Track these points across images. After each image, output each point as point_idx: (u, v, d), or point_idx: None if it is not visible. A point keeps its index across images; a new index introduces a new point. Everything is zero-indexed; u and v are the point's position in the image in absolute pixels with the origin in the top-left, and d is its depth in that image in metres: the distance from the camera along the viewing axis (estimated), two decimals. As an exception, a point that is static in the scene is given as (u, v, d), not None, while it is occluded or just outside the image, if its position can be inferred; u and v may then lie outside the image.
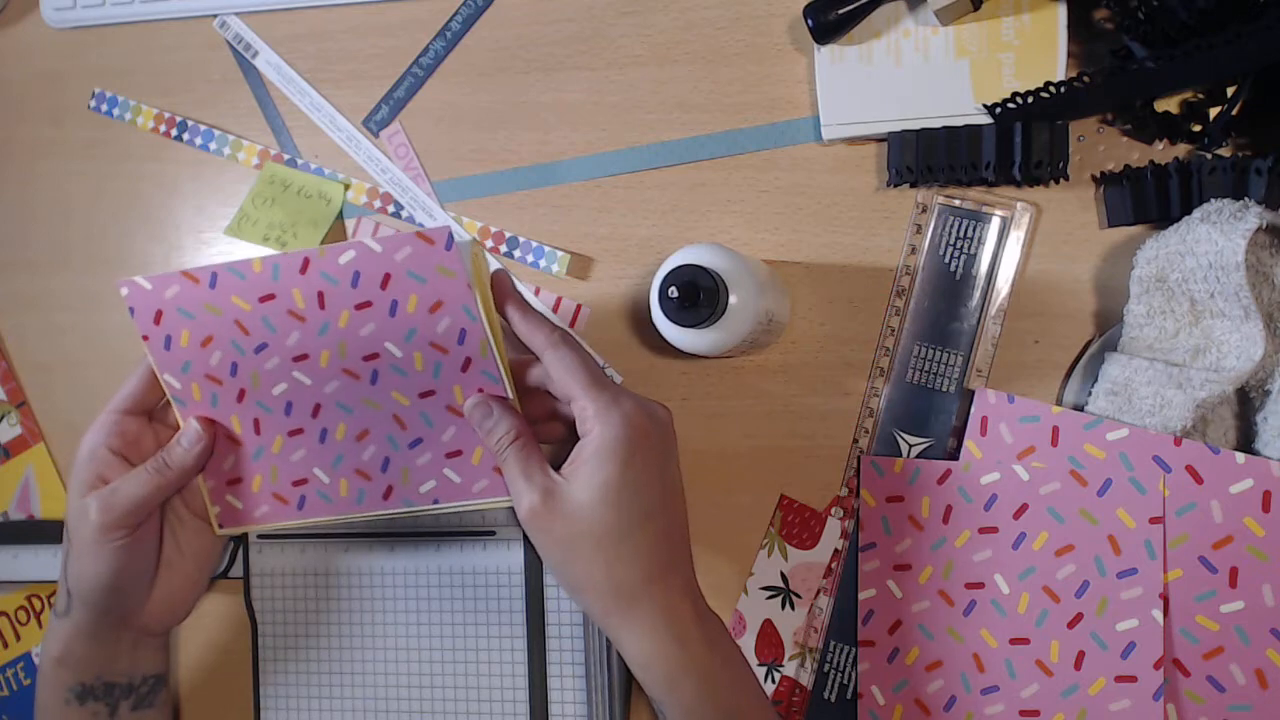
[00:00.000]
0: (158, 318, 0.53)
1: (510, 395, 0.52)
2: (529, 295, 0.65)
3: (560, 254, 0.64)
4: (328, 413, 0.54)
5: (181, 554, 0.57)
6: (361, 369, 0.53)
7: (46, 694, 0.56)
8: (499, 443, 0.51)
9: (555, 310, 0.64)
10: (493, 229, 0.65)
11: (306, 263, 0.51)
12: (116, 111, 0.73)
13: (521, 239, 0.65)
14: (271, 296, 0.52)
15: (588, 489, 0.48)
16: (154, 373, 0.55)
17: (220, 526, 0.57)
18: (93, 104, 0.73)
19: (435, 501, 0.55)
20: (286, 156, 0.70)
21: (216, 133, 0.71)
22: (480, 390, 0.52)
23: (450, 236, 0.49)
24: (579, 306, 0.64)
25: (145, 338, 0.54)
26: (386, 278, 0.51)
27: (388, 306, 0.51)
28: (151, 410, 0.56)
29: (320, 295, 0.51)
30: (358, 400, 0.53)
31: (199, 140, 0.71)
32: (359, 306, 0.51)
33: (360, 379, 0.53)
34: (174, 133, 0.71)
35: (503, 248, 0.65)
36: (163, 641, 0.60)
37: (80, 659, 0.56)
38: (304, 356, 0.53)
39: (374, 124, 0.68)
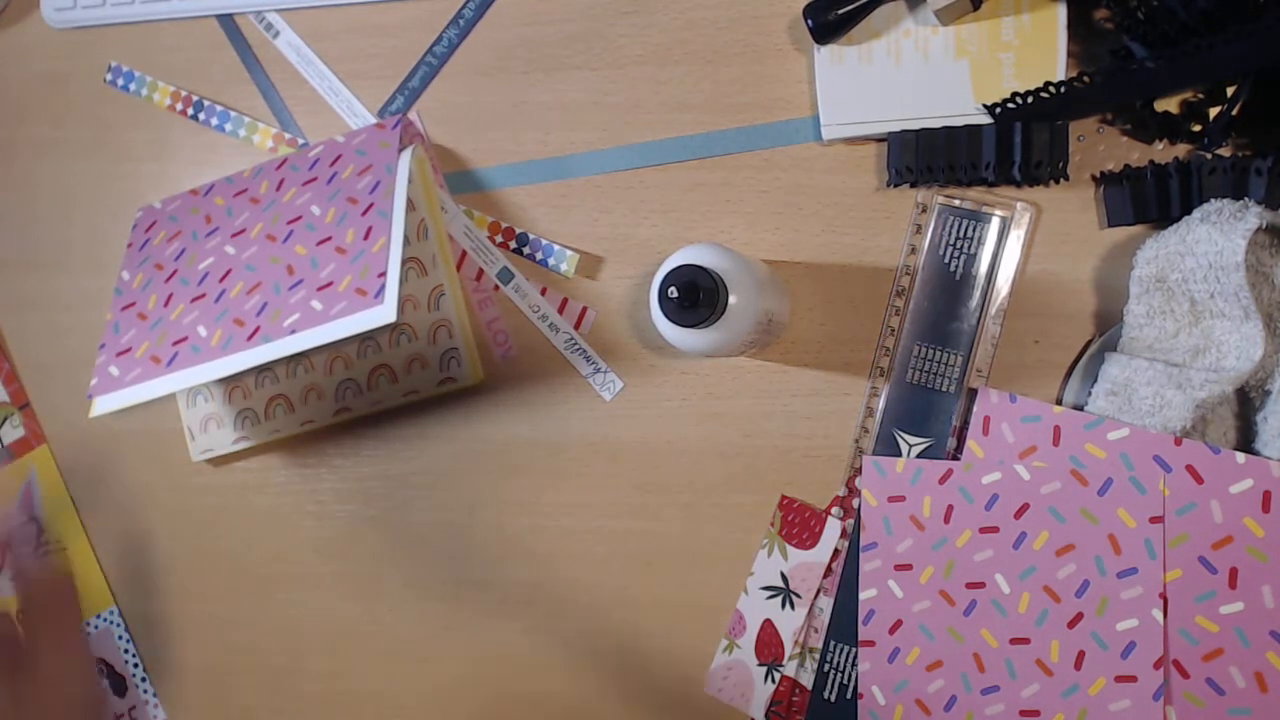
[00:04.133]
0: (150, 228, 0.69)
1: (398, 233, 0.58)
2: (535, 295, 0.65)
3: (570, 253, 0.64)
4: (236, 275, 0.63)
5: None
6: (281, 231, 0.63)
7: None
8: None
9: (561, 312, 0.64)
10: (503, 224, 0.65)
11: (283, 162, 0.66)
12: (133, 87, 0.72)
13: (532, 236, 0.65)
14: (244, 190, 0.66)
15: None
16: None
17: (91, 396, 0.65)
18: (109, 78, 0.73)
19: (293, 332, 0.60)
20: (301, 141, 0.69)
21: (233, 114, 0.70)
22: (370, 230, 0.59)
23: (399, 120, 0.63)
24: (584, 309, 0.64)
25: (129, 245, 0.69)
26: (338, 158, 0.64)
27: (328, 178, 0.63)
28: None
29: (281, 182, 0.65)
30: (265, 259, 0.62)
31: (214, 120, 0.71)
32: (306, 183, 0.63)
33: (276, 240, 0.63)
34: (190, 111, 0.71)
35: (513, 244, 0.65)
36: None
37: None
38: (242, 231, 0.64)
39: (390, 114, 0.68)
